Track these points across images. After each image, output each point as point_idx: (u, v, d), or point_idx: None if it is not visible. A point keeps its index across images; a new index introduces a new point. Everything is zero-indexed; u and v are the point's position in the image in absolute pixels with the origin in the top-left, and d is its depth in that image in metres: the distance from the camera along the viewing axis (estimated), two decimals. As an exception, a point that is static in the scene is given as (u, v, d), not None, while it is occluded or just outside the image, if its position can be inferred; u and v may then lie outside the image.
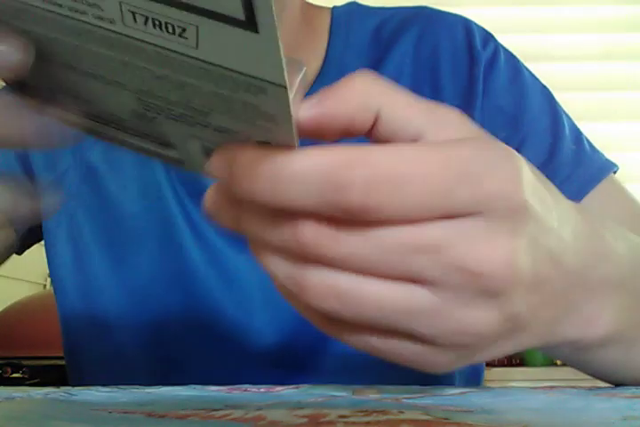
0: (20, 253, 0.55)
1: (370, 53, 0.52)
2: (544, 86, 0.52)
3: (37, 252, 0.55)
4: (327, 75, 0.50)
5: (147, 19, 0.16)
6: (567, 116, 0.51)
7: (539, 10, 1.78)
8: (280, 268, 0.20)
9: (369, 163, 0.18)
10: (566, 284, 0.23)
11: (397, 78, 0.50)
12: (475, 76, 0.50)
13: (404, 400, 0.26)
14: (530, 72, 0.52)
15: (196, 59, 0.17)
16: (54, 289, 0.53)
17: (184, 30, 0.16)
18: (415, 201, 0.18)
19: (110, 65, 0.19)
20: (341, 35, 0.52)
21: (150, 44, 0.17)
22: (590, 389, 0.32)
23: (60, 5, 0.17)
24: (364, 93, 0.20)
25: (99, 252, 0.49)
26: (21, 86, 0.22)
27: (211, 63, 0.17)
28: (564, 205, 0.24)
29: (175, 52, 0.17)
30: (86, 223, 0.50)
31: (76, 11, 0.17)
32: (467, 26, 0.52)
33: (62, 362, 0.53)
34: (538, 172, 0.22)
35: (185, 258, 0.48)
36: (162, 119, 0.21)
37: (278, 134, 0.19)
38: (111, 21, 0.17)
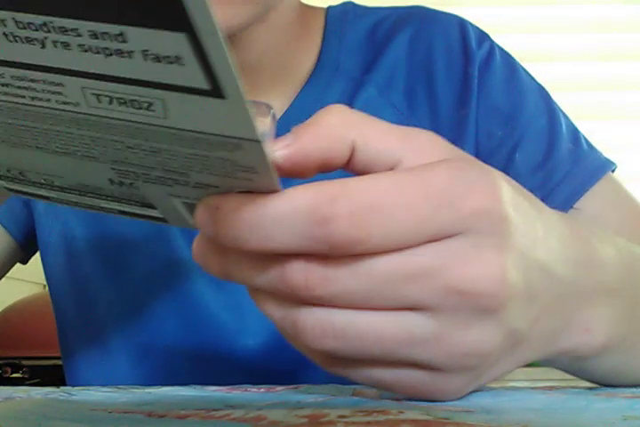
0: (24, 262, 0.55)
1: (364, 53, 0.51)
2: (540, 85, 0.52)
3: (37, 252, 0.55)
4: (321, 75, 0.50)
5: (111, 99, 0.16)
6: (564, 114, 0.51)
7: (539, 10, 1.77)
8: (274, 311, 0.21)
9: (350, 195, 0.18)
10: (559, 293, 0.23)
11: (392, 78, 0.50)
12: (470, 76, 0.49)
13: (404, 400, 0.26)
14: (526, 71, 0.52)
15: (167, 127, 0.17)
16: (50, 294, 0.53)
17: (150, 104, 0.16)
18: (399, 229, 0.18)
19: (81, 142, 0.19)
20: (336, 34, 0.52)
21: (119, 119, 0.17)
22: (590, 389, 0.32)
23: (23, 96, 0.17)
24: (338, 127, 0.20)
25: (91, 257, 0.49)
26: None
27: (182, 129, 0.17)
28: (548, 214, 0.24)
29: (145, 124, 0.17)
30: (79, 229, 0.49)
31: (39, 99, 0.17)
32: (461, 25, 0.52)
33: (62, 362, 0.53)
34: (516, 184, 0.22)
35: (178, 261, 0.48)
36: (139, 184, 0.21)
37: (260, 182, 0.19)
38: (75, 105, 0.17)
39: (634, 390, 0.31)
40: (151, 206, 0.23)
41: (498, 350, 0.21)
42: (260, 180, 0.19)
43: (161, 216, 0.24)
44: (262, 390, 0.32)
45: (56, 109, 0.17)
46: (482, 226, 0.19)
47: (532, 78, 0.52)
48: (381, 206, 0.18)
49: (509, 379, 1.46)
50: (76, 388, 0.32)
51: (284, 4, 0.47)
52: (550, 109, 0.50)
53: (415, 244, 0.19)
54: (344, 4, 0.56)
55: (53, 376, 1.13)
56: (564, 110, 0.52)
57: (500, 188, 0.20)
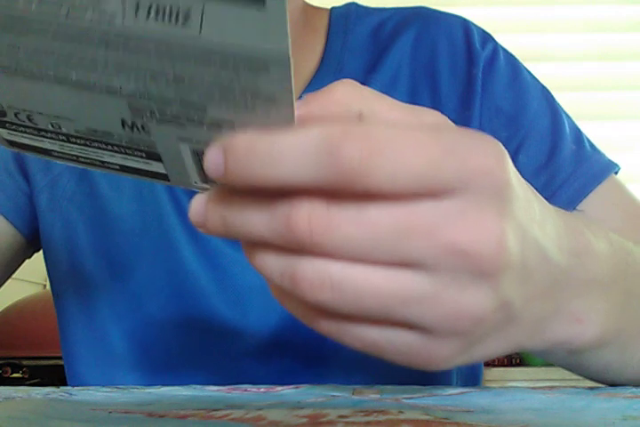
0: (29, 256, 0.55)
1: (368, 54, 0.52)
2: (544, 87, 0.52)
3: (37, 252, 0.55)
4: (324, 75, 0.50)
5: (149, 9, 0.16)
6: (567, 116, 0.51)
7: (539, 10, 1.77)
8: (272, 263, 0.20)
9: (364, 131, 0.19)
10: (553, 279, 0.23)
11: (395, 79, 0.50)
12: (473, 77, 0.50)
13: (404, 400, 0.26)
14: (529, 72, 0.52)
15: (200, 45, 0.17)
16: (51, 290, 0.53)
17: (188, 16, 0.16)
18: (407, 170, 0.19)
19: (104, 70, 0.19)
20: (339, 35, 0.52)
21: (150, 39, 0.17)
22: (590, 389, 0.32)
23: (60, 5, 0.17)
24: (347, 96, 0.21)
25: (93, 254, 0.49)
26: None
27: (213, 46, 0.17)
28: (544, 202, 0.24)
29: (177, 42, 0.17)
30: (81, 225, 0.49)
31: (76, 10, 0.17)
32: (465, 26, 0.52)
33: (62, 362, 0.53)
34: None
35: (180, 258, 0.48)
36: (152, 125, 0.21)
37: (278, 116, 0.19)
38: (111, 18, 0.17)
39: (634, 390, 0.31)
40: (155, 158, 0.23)
41: (490, 319, 0.21)
42: (278, 113, 0.19)
43: (163, 172, 0.24)
44: (262, 390, 0.32)
45: (90, 23, 0.17)
46: (485, 186, 0.20)
47: (536, 79, 0.52)
48: (393, 144, 0.19)
49: (509, 379, 1.47)
50: (75, 388, 0.32)
51: (289, 4, 0.47)
52: (553, 110, 0.50)
53: (420, 191, 0.19)
54: (347, 4, 0.56)
55: (53, 376, 1.13)
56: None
57: (507, 157, 0.21)
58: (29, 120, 0.22)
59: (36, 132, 0.23)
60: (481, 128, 0.49)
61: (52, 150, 0.24)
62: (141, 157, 0.23)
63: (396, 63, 0.51)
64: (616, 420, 0.21)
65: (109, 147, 0.23)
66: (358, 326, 0.21)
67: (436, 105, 0.49)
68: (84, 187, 0.50)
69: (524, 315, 0.22)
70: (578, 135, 0.50)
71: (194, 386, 0.34)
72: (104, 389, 0.32)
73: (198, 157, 0.22)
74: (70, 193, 0.50)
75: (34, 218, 0.51)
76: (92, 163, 0.24)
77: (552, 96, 0.52)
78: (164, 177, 0.24)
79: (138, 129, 0.21)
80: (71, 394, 0.29)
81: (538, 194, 0.24)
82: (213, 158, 0.20)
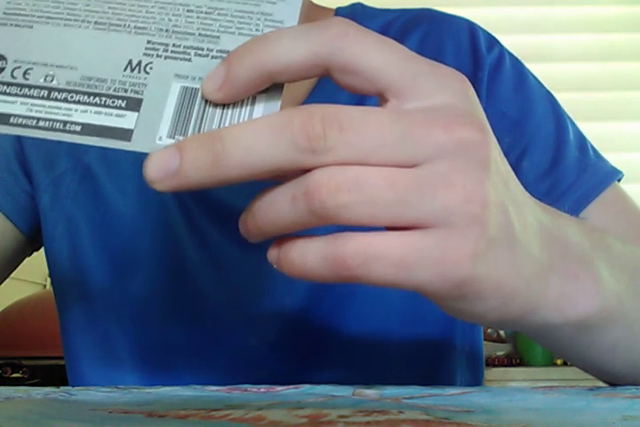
0: (29, 255, 0.55)
1: None
2: (549, 92, 0.52)
3: (37, 252, 0.55)
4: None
5: None
6: (572, 122, 0.51)
7: (539, 10, 1.78)
8: (289, 187, 0.21)
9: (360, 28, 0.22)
10: (538, 227, 0.25)
11: None
12: (478, 81, 0.49)
13: (404, 400, 0.26)
14: (535, 77, 0.52)
15: None
16: (53, 290, 0.53)
17: None
18: (388, 59, 0.22)
19: (146, 11, 0.23)
20: None
21: None
22: (590, 389, 0.32)
23: None
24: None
25: (96, 253, 0.49)
26: None
27: None
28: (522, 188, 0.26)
29: None
30: (84, 225, 0.49)
31: None
32: (472, 29, 0.52)
33: (62, 362, 0.53)
34: None
35: (183, 258, 0.48)
36: (157, 62, 0.23)
37: None
38: None
39: (634, 390, 0.31)
40: (133, 107, 0.23)
41: (495, 211, 0.22)
42: None
43: (129, 127, 0.23)
44: (262, 390, 0.32)
45: None
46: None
47: (541, 84, 0.52)
48: (379, 40, 0.22)
49: (509, 379, 1.47)
50: (75, 388, 0.32)
51: None
52: (558, 116, 0.50)
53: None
54: (353, 5, 0.56)
55: (53, 376, 1.13)
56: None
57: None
58: (23, 75, 0.24)
59: (16, 91, 0.24)
60: None
61: (14, 115, 0.23)
62: (119, 107, 0.23)
63: None
64: (616, 420, 0.21)
65: (89, 99, 0.23)
66: (378, 237, 0.21)
67: None
68: (87, 186, 0.50)
69: (524, 244, 0.24)
70: (582, 142, 0.50)
71: (194, 386, 0.34)
72: (104, 389, 0.32)
73: (184, 96, 0.23)
74: (73, 192, 0.50)
75: (35, 217, 0.51)
76: (51, 127, 0.23)
77: (557, 102, 0.51)
78: (126, 136, 0.23)
79: (140, 69, 0.23)
80: (71, 394, 0.29)
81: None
82: (214, 71, 0.22)
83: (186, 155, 0.21)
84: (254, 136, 0.20)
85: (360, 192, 0.20)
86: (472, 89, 0.23)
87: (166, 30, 0.23)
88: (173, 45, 0.23)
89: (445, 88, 0.22)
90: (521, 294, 0.24)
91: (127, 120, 0.23)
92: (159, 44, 0.23)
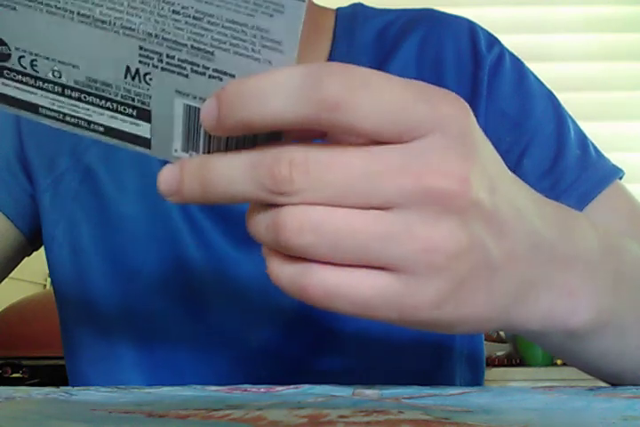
0: (29, 254, 0.55)
1: (374, 55, 0.51)
2: (550, 91, 0.52)
3: (37, 252, 0.55)
4: None
5: None
6: (573, 121, 0.51)
7: (539, 10, 1.77)
8: (259, 220, 0.22)
9: (344, 70, 0.21)
10: (532, 242, 0.24)
11: None
12: (479, 80, 0.49)
13: (404, 400, 0.26)
14: (535, 77, 0.52)
15: None
16: (54, 290, 0.53)
17: None
18: (382, 105, 0.21)
19: (129, 4, 0.21)
20: (346, 36, 0.52)
21: None
22: (590, 389, 0.32)
23: None
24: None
25: (97, 253, 0.49)
26: None
27: None
28: (518, 179, 0.26)
29: None
30: (84, 225, 0.49)
31: None
32: (472, 29, 0.52)
33: (62, 362, 0.53)
34: None
35: (185, 258, 0.48)
36: (155, 73, 0.23)
37: (280, 64, 0.21)
38: None
39: (634, 390, 0.31)
40: (145, 118, 0.24)
41: (466, 258, 0.21)
42: (279, 60, 0.21)
43: (147, 136, 0.24)
44: (262, 390, 0.32)
45: None
46: (452, 130, 0.21)
47: (542, 83, 0.52)
48: (371, 82, 0.21)
49: (509, 379, 1.47)
50: (75, 388, 0.32)
51: None
52: (559, 115, 0.50)
53: (393, 131, 0.21)
54: (353, 5, 0.56)
55: (53, 376, 1.13)
56: (563, 110, 0.52)
57: (471, 112, 0.23)
58: (32, 66, 0.23)
59: (32, 82, 0.24)
60: (485, 131, 0.49)
61: (41, 106, 0.24)
62: (131, 115, 0.24)
63: (402, 65, 0.51)
64: (616, 420, 0.21)
65: (102, 102, 0.24)
66: (340, 271, 0.22)
67: None
68: (88, 186, 0.50)
69: (507, 270, 0.23)
70: (583, 140, 0.50)
71: (194, 386, 0.34)
72: (104, 389, 0.32)
73: (189, 116, 0.23)
74: (74, 192, 0.50)
75: (35, 217, 0.51)
76: (77, 123, 0.24)
77: (558, 101, 0.51)
78: (146, 143, 0.24)
79: (139, 78, 0.23)
80: (71, 394, 0.29)
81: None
82: (208, 107, 0.22)
83: (183, 179, 0.23)
84: (232, 170, 0.22)
85: (322, 235, 0.21)
86: (470, 118, 0.22)
87: (155, 35, 0.22)
88: (167, 56, 0.22)
89: (438, 128, 0.21)
90: (495, 320, 0.24)
91: (143, 129, 0.24)
92: (152, 52, 0.22)
